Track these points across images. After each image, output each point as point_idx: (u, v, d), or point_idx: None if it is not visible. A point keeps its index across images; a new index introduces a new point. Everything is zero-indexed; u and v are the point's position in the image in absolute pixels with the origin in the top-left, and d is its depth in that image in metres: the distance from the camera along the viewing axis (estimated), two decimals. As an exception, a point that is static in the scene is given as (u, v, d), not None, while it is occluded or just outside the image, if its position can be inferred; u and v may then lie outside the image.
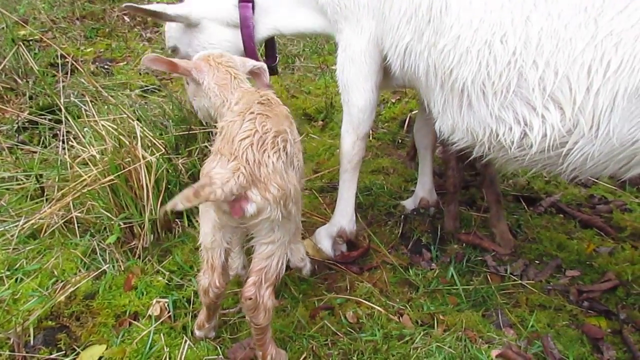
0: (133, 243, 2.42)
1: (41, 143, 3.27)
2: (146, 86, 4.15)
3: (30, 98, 3.70)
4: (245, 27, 2.49)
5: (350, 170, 2.45)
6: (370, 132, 3.53)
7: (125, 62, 4.75)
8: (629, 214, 2.95)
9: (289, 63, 4.98)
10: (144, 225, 2.36)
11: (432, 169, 2.89)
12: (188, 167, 2.64)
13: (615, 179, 2.96)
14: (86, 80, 3.78)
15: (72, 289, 2.18)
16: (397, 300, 2.26)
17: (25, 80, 3.83)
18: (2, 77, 3.79)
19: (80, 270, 2.32)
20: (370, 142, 3.64)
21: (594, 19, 1.56)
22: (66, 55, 3.43)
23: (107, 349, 1.96)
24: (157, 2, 4.10)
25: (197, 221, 2.49)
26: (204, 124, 2.56)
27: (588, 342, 2.08)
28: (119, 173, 2.29)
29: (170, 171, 2.53)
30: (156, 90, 4.05)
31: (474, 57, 1.73)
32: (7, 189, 2.80)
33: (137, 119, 2.66)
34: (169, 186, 2.49)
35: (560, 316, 2.21)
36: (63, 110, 2.66)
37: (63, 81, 3.78)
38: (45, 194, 2.69)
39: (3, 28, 4.39)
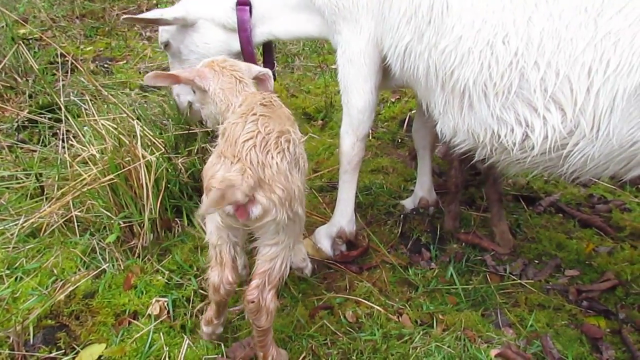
0: (133, 242, 2.42)
1: (41, 142, 3.26)
2: (146, 85, 4.14)
3: (30, 97, 3.69)
4: (243, 30, 2.48)
5: (350, 171, 2.45)
6: (370, 131, 3.53)
7: (125, 61, 4.74)
8: (628, 213, 2.95)
9: (289, 62, 4.97)
10: (143, 225, 2.36)
11: (431, 168, 2.89)
12: (188, 166, 2.64)
13: (615, 180, 2.96)
14: (86, 79, 3.78)
15: (71, 288, 2.18)
16: (397, 299, 2.27)
17: (25, 79, 3.82)
18: (1, 75, 3.77)
19: (79, 269, 2.32)
20: (370, 141, 3.64)
21: (593, 19, 1.56)
22: (66, 54, 3.43)
23: (106, 347, 1.96)
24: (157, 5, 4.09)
25: (197, 221, 2.49)
26: (203, 123, 2.56)
27: (587, 341, 2.09)
28: (118, 172, 2.29)
29: (170, 170, 2.53)
30: (156, 90, 4.04)
31: (476, 58, 1.73)
32: (7, 188, 2.80)
33: (137, 118, 2.66)
34: (169, 185, 2.49)
35: (560, 316, 2.22)
36: (63, 109, 2.65)
37: (63, 80, 3.77)
38: (45, 193, 2.69)
39: (3, 27, 4.37)
